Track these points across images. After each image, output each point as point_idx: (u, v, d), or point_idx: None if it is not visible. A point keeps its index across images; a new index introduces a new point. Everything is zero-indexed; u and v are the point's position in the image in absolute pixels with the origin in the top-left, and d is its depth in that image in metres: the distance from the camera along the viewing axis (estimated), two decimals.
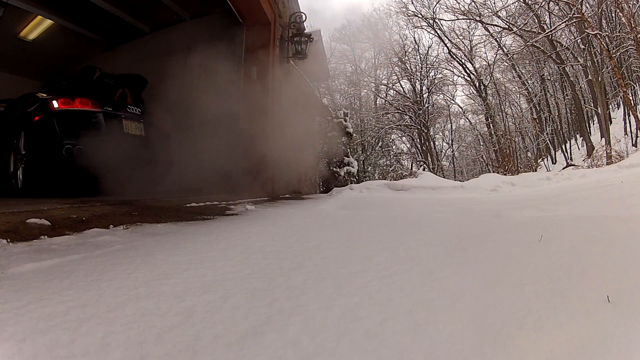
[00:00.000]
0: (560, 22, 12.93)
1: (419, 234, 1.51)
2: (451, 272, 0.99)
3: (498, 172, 11.43)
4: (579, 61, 13.65)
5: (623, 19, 10.92)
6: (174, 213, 2.33)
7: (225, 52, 5.00)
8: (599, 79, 12.97)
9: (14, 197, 3.28)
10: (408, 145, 19.84)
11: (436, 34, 17.57)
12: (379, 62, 19.36)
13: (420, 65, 18.72)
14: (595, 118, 15.53)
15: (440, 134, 20.53)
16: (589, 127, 15.52)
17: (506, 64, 17.45)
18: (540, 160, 17.66)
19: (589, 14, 12.72)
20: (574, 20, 11.97)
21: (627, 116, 14.24)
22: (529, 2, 14.03)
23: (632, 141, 13.27)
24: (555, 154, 17.80)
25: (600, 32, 11.57)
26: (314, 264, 1.06)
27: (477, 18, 15.87)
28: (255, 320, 0.73)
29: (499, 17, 15.24)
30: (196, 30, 5.52)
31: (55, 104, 3.40)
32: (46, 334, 0.64)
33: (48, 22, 5.66)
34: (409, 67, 18.74)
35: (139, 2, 5.34)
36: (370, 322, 0.73)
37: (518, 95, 18.70)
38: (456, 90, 19.70)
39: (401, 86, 19.19)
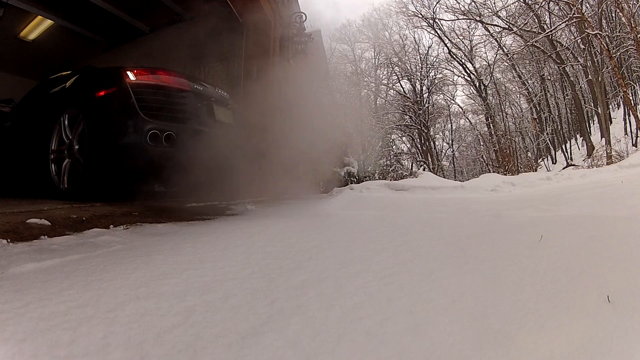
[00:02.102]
0: (560, 22, 12.93)
1: (419, 234, 1.51)
2: (451, 272, 0.99)
3: (498, 172, 11.43)
4: (579, 61, 13.64)
5: (623, 19, 10.92)
6: (174, 213, 2.33)
7: (226, 52, 5.00)
8: (599, 79, 12.96)
9: (59, 200, 2.49)
10: (408, 145, 19.84)
11: (436, 34, 17.58)
12: (379, 62, 19.37)
13: (420, 65, 18.73)
14: (595, 118, 15.52)
15: (440, 134, 20.54)
16: (589, 127, 15.51)
17: (506, 64, 17.44)
18: (540, 160, 17.67)
19: (589, 14, 12.71)
20: (574, 20, 11.97)
21: (627, 116, 14.24)
22: (529, 2, 14.03)
23: (632, 141, 13.26)
24: (555, 154, 17.79)
25: (600, 32, 11.57)
26: (314, 264, 1.06)
27: (477, 18, 15.88)
28: (255, 320, 0.73)
29: (499, 17, 15.25)
30: (196, 30, 5.52)
31: (130, 75, 2.60)
32: (46, 334, 0.64)
33: (48, 22, 5.66)
34: (409, 67, 18.75)
35: (139, 2, 5.34)
36: (370, 322, 0.73)
37: (518, 95, 18.70)
38: (456, 90, 19.70)
39: (401, 86, 19.21)
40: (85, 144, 2.55)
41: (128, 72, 2.61)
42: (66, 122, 2.74)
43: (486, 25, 16.03)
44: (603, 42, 11.42)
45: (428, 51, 18.61)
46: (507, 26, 15.44)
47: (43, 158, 2.84)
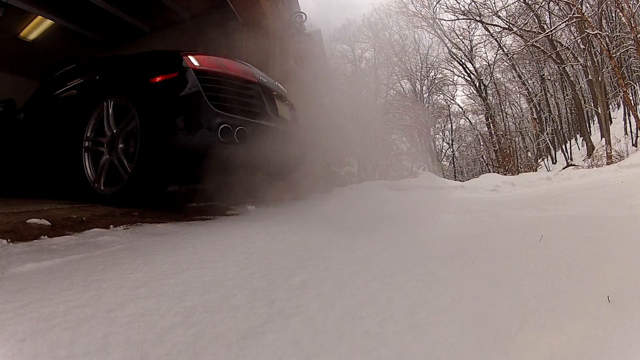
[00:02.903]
0: (560, 22, 12.93)
1: (419, 234, 1.51)
2: (451, 272, 0.99)
3: (498, 172, 11.43)
4: (579, 61, 13.64)
5: (623, 19, 10.92)
6: (174, 213, 2.33)
7: (226, 52, 5.00)
8: (599, 79, 12.96)
9: (98, 204, 2.18)
10: (408, 145, 19.83)
11: (436, 34, 17.57)
12: (379, 62, 19.36)
13: (420, 65, 18.73)
14: (595, 118, 15.52)
15: (441, 134, 20.53)
16: (589, 127, 15.51)
17: (506, 64, 17.44)
18: (540, 160, 17.66)
19: (589, 14, 12.71)
20: (574, 20, 11.97)
21: (627, 116, 14.23)
22: (529, 2, 14.03)
23: (632, 141, 13.26)
24: (555, 154, 17.79)
25: (600, 32, 11.57)
26: (314, 264, 1.05)
27: (477, 18, 15.87)
28: (255, 320, 0.73)
29: (499, 17, 15.25)
30: (196, 30, 5.52)
31: (193, 60, 2.22)
32: (46, 334, 0.64)
33: (48, 22, 5.66)
34: (409, 67, 18.75)
35: (139, 2, 5.34)
36: (370, 322, 0.73)
37: (518, 95, 18.70)
38: (456, 90, 19.68)
39: (401, 86, 19.20)
40: (138, 139, 2.12)
41: (190, 57, 2.24)
42: (110, 111, 2.32)
43: (486, 25, 16.03)
44: (603, 42, 11.42)
45: (428, 51, 18.62)
46: (507, 26, 15.44)
47: (74, 148, 2.43)
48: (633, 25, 10.18)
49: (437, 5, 16.62)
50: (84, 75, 2.82)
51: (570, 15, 11.98)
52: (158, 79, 2.19)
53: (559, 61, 14.38)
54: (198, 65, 2.22)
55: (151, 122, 2.13)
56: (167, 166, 2.17)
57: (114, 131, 2.30)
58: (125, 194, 2.18)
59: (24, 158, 3.17)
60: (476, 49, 17.51)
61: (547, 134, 17.31)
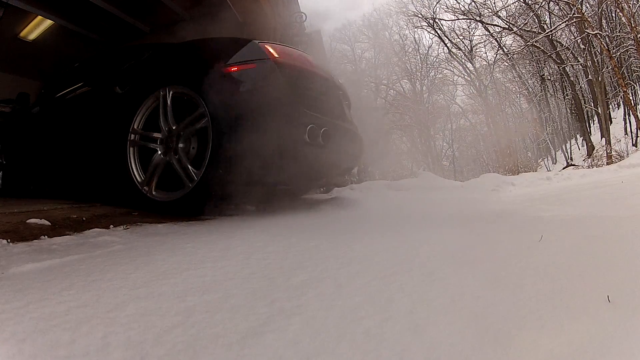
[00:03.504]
0: (560, 22, 12.94)
1: (419, 234, 1.51)
2: (451, 272, 0.99)
3: (498, 172, 11.43)
4: (579, 61, 13.64)
5: (623, 19, 10.93)
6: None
7: None
8: (599, 79, 12.96)
9: (148, 212, 1.94)
10: (408, 145, 19.83)
11: (436, 34, 17.59)
12: (379, 62, 19.36)
13: (420, 65, 18.73)
14: (595, 118, 15.52)
15: (441, 133, 20.52)
16: (589, 127, 15.51)
17: (506, 64, 17.45)
18: (540, 160, 17.67)
19: (589, 14, 12.71)
20: (574, 20, 11.98)
21: (627, 116, 14.23)
22: (529, 2, 14.03)
23: (632, 141, 13.26)
24: (555, 154, 17.80)
25: (600, 32, 11.58)
26: (314, 264, 1.05)
27: (477, 18, 15.88)
28: (255, 320, 0.73)
29: (499, 17, 15.26)
30: (196, 30, 5.52)
31: (272, 50, 1.93)
32: (46, 334, 0.64)
33: (48, 22, 5.66)
34: (409, 67, 18.75)
35: (139, 2, 5.34)
36: (370, 322, 0.73)
37: (518, 95, 18.70)
38: (456, 90, 19.69)
39: (401, 86, 19.19)
40: (210, 138, 1.82)
41: (268, 46, 1.94)
42: (169, 103, 1.99)
43: (486, 25, 16.04)
44: (603, 42, 11.42)
45: (428, 51, 18.62)
46: (507, 26, 15.45)
47: (115, 142, 2.11)
48: (633, 25, 10.19)
49: (437, 5, 16.64)
50: (131, 60, 2.50)
51: (570, 15, 11.98)
52: (234, 69, 1.87)
53: (559, 61, 14.38)
54: (277, 56, 1.93)
55: (227, 120, 1.81)
56: (246, 171, 1.79)
57: (173, 127, 1.97)
58: (189, 203, 1.87)
59: (39, 156, 2.94)
60: (476, 49, 17.52)
61: (547, 134, 17.31)
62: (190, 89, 1.94)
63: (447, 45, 17.55)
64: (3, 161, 3.63)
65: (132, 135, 2.09)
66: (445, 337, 0.69)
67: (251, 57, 1.90)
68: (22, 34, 5.78)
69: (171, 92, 2.00)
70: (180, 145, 1.96)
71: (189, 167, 1.91)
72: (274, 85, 1.85)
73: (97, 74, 2.77)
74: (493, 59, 17.32)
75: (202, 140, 1.93)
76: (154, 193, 1.98)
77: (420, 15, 17.28)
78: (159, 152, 2.01)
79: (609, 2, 12.20)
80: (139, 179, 2.04)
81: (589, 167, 8.92)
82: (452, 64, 18.19)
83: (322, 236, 1.43)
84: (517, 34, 15.31)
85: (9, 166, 3.52)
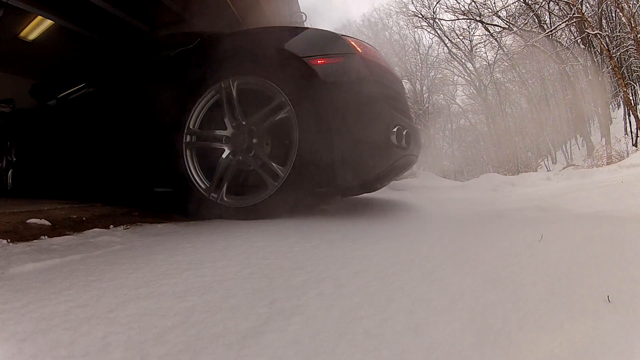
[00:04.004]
0: (560, 22, 12.94)
1: (419, 234, 1.51)
2: (451, 272, 0.99)
3: (498, 172, 11.44)
4: (579, 61, 13.64)
5: (623, 19, 10.93)
6: (174, 213, 2.33)
7: None
8: (599, 79, 12.97)
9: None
10: None
11: (436, 34, 17.60)
12: None
13: (420, 65, 18.74)
14: (595, 118, 15.52)
15: (441, 133, 20.53)
16: (589, 127, 15.52)
17: (506, 64, 17.46)
18: (540, 160, 17.67)
19: (589, 14, 12.72)
20: (574, 20, 11.98)
21: (627, 116, 14.23)
22: (529, 2, 14.03)
23: (632, 141, 13.26)
24: (555, 153, 17.80)
25: (600, 32, 11.58)
26: (314, 264, 1.05)
27: (477, 18, 15.89)
28: (255, 320, 0.73)
29: (499, 17, 15.27)
30: (196, 30, 5.52)
31: (356, 45, 1.81)
32: (47, 334, 0.64)
33: (48, 22, 5.66)
34: (409, 67, 18.76)
35: (139, 2, 5.35)
36: (370, 322, 0.73)
37: (518, 95, 18.71)
38: (456, 90, 19.71)
39: None
40: (295, 135, 1.68)
41: (352, 42, 1.81)
42: (234, 96, 1.79)
43: (486, 25, 16.04)
44: (603, 42, 11.42)
45: (428, 51, 18.63)
46: (507, 26, 15.46)
47: (162, 148, 1.91)
48: (633, 25, 10.19)
49: (437, 5, 16.65)
50: (172, 50, 2.24)
51: (570, 15, 11.99)
52: (320, 61, 1.71)
53: (559, 61, 14.38)
54: (361, 51, 1.79)
55: (314, 114, 1.67)
56: (330, 170, 1.67)
57: (242, 122, 1.80)
58: (273, 204, 1.72)
59: (56, 156, 2.77)
60: (476, 49, 17.54)
61: (547, 134, 17.32)
62: (265, 80, 1.75)
63: (447, 45, 17.58)
64: (13, 158, 3.49)
65: (188, 137, 1.86)
66: (445, 337, 0.69)
67: (338, 50, 1.77)
68: (22, 34, 5.78)
69: (236, 84, 1.80)
70: (255, 141, 1.78)
71: (273, 164, 1.73)
72: (362, 81, 1.73)
73: (128, 67, 2.53)
74: (493, 59, 17.34)
75: (275, 135, 1.82)
76: (225, 199, 1.76)
77: (420, 15, 17.31)
78: (227, 152, 1.81)
79: (609, 2, 12.21)
80: (202, 186, 1.82)
81: (589, 167, 8.93)
82: (452, 64, 18.23)
83: (322, 236, 1.43)
84: (517, 34, 15.32)
85: (20, 165, 3.38)
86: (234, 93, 1.80)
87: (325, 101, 1.67)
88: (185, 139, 1.87)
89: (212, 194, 1.80)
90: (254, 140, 1.78)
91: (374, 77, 1.77)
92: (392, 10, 18.14)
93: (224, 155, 1.81)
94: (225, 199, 1.77)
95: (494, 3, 15.30)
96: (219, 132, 1.84)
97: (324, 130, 1.65)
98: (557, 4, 13.32)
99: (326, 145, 1.64)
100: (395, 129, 1.78)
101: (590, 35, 11.51)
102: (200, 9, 5.53)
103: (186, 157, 1.86)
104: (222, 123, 1.85)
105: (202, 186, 1.83)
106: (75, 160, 2.61)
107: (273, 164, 1.74)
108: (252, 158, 1.78)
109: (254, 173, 1.81)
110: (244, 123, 1.80)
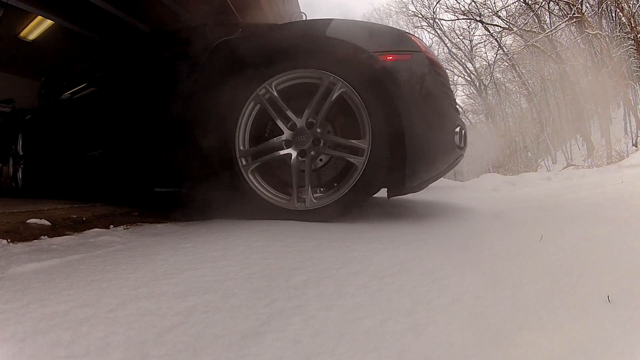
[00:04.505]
0: (560, 22, 12.94)
1: (419, 234, 1.51)
2: (451, 272, 0.99)
3: (498, 172, 11.44)
4: (579, 61, 13.65)
5: (623, 19, 10.93)
6: (174, 213, 2.33)
7: None
8: (599, 79, 12.97)
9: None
10: None
11: (436, 34, 17.62)
12: None
13: None
14: (595, 118, 15.52)
15: None
16: (589, 127, 15.52)
17: (506, 64, 17.47)
18: (540, 160, 17.68)
19: (589, 14, 12.72)
20: (574, 20, 11.98)
21: (627, 116, 14.24)
22: (529, 2, 14.04)
23: (632, 141, 13.27)
24: (555, 153, 17.81)
25: (600, 32, 11.58)
26: (314, 264, 1.06)
27: (477, 18, 15.90)
28: (255, 320, 0.73)
29: (499, 17, 15.28)
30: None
31: (418, 42, 1.76)
32: (47, 334, 0.64)
33: (48, 23, 5.67)
34: None
35: (139, 2, 5.35)
36: (370, 322, 0.73)
37: (518, 95, 18.72)
38: (456, 90, 19.70)
39: None
40: (368, 129, 1.64)
41: (415, 39, 1.76)
42: (275, 97, 1.68)
43: (486, 25, 16.05)
44: (603, 42, 11.42)
45: None
46: (507, 26, 15.46)
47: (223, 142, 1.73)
48: (633, 25, 10.19)
49: (437, 5, 16.67)
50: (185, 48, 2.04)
51: (570, 15, 11.99)
52: (389, 57, 1.64)
53: (559, 61, 14.38)
54: (423, 49, 1.74)
55: (385, 108, 1.62)
56: (400, 170, 1.65)
57: (308, 120, 1.69)
58: (349, 201, 1.66)
59: (70, 154, 2.64)
60: (476, 49, 17.57)
61: (547, 134, 17.33)
62: (325, 72, 1.67)
63: (447, 45, 17.60)
64: (21, 153, 3.40)
65: (243, 160, 1.72)
66: (445, 337, 0.69)
67: (405, 47, 1.70)
68: (22, 34, 5.79)
69: (274, 84, 1.71)
70: (319, 130, 1.69)
71: (351, 140, 1.66)
72: (430, 80, 1.69)
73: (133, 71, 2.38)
74: (493, 59, 17.35)
75: (337, 120, 1.75)
76: (314, 201, 1.69)
77: (420, 15, 17.35)
78: (295, 155, 1.69)
79: (609, 2, 12.21)
80: (277, 198, 1.72)
81: (589, 167, 8.93)
82: (452, 64, 18.24)
83: (322, 236, 1.43)
84: (517, 34, 15.32)
85: (31, 163, 3.27)
86: (276, 94, 1.69)
87: (400, 104, 1.61)
88: (241, 163, 1.72)
89: (297, 205, 1.68)
90: (318, 130, 1.69)
91: (438, 76, 1.73)
92: (392, 10, 18.19)
93: (292, 161, 1.68)
94: (314, 201, 1.69)
95: (494, 3, 15.31)
96: (277, 140, 1.71)
97: (397, 136, 1.61)
98: (557, 4, 13.32)
99: (398, 144, 1.62)
100: (457, 129, 1.78)
101: (590, 35, 11.51)
102: (200, 8, 5.52)
103: (248, 179, 1.72)
104: (272, 130, 1.75)
105: (278, 198, 1.73)
106: (97, 160, 2.45)
107: (351, 140, 1.66)
108: (324, 147, 1.69)
109: (325, 169, 1.77)
110: (308, 120, 1.69)
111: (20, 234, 1.39)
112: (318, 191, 1.80)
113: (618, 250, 1.14)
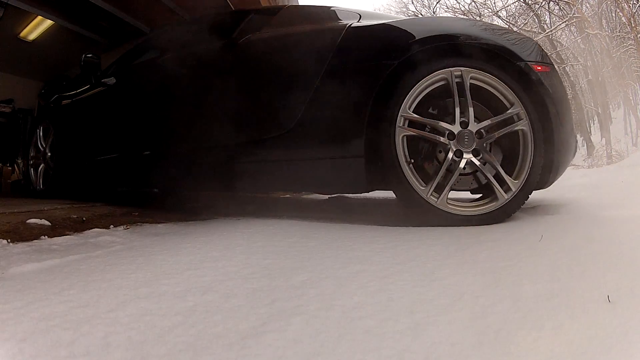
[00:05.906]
0: (560, 22, 12.94)
1: (420, 233, 1.51)
2: (451, 272, 0.99)
3: None
4: (579, 61, 13.65)
5: (623, 18, 10.93)
6: (174, 213, 2.33)
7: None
8: (599, 79, 12.98)
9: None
10: None
11: None
12: None
13: None
14: (595, 118, 15.53)
15: None
16: (589, 127, 15.53)
17: None
18: None
19: (589, 14, 12.73)
20: (574, 20, 11.99)
21: (627, 116, 14.25)
22: (529, 2, 14.04)
23: (632, 141, 13.28)
24: None
25: (600, 32, 11.58)
26: (314, 264, 1.06)
27: (477, 18, 15.89)
28: (255, 320, 0.73)
29: (499, 17, 15.27)
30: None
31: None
32: (47, 334, 0.64)
33: (48, 23, 5.67)
34: None
35: (139, 2, 5.35)
36: (370, 322, 0.73)
37: None
38: None
39: None
40: (531, 141, 1.63)
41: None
42: (467, 89, 1.60)
43: None
44: (603, 42, 11.43)
45: None
46: (507, 26, 15.46)
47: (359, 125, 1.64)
48: (633, 25, 10.19)
49: (437, 5, 16.67)
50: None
51: (570, 15, 11.99)
52: (538, 68, 1.66)
53: (559, 61, 14.39)
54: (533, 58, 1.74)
55: (544, 128, 1.64)
56: (542, 183, 1.83)
57: (470, 122, 1.63)
58: (499, 216, 1.66)
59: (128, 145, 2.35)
60: None
61: None
62: (498, 80, 1.61)
63: None
64: (48, 152, 2.98)
65: (403, 120, 1.60)
66: (445, 337, 0.69)
67: (543, 59, 1.73)
68: (22, 34, 5.79)
69: (470, 76, 1.61)
70: (485, 145, 1.64)
71: (505, 175, 1.64)
72: (564, 89, 1.79)
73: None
74: None
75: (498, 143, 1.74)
76: (448, 205, 1.62)
77: (420, 16, 17.32)
78: (451, 151, 1.60)
79: (609, 2, 12.22)
80: (420, 186, 1.60)
81: (589, 167, 8.93)
82: None
83: (322, 236, 1.43)
84: None
85: (63, 159, 2.82)
86: (467, 87, 1.60)
87: (552, 112, 1.63)
88: (399, 122, 1.59)
89: (431, 195, 1.59)
90: (485, 145, 1.62)
91: (564, 85, 1.80)
92: (392, 11, 18.17)
93: (449, 155, 1.59)
94: (448, 204, 1.61)
95: (494, 3, 15.37)
96: (444, 125, 1.60)
97: (549, 142, 1.65)
98: (557, 4, 13.32)
99: (548, 157, 1.67)
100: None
101: (590, 35, 11.51)
102: (200, 8, 5.53)
103: (397, 143, 1.59)
104: (443, 116, 1.66)
105: (420, 186, 1.61)
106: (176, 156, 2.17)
107: (505, 174, 1.63)
108: (481, 163, 1.62)
109: (462, 178, 1.71)
110: (473, 122, 1.62)
111: (20, 234, 1.39)
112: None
113: (618, 250, 1.14)
